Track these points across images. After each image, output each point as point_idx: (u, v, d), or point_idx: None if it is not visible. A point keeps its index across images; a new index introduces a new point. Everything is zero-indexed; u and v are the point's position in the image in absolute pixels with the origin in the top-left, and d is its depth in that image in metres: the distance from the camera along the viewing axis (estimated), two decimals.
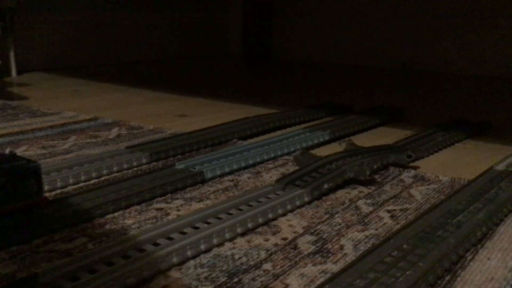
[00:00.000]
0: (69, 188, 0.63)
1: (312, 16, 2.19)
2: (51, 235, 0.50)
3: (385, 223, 0.54)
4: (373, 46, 2.05)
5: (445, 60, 1.90)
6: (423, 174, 0.70)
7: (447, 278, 0.43)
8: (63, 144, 0.82)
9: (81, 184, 0.65)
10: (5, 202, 0.49)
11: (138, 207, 0.58)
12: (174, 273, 0.44)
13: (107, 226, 0.53)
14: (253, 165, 0.73)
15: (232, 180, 0.67)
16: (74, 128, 0.94)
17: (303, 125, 0.95)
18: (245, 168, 0.72)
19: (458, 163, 0.77)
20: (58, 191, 0.62)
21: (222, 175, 0.69)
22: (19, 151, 0.78)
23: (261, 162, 0.75)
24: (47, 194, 0.58)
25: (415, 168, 0.73)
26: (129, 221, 0.54)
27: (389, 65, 2.01)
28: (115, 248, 0.45)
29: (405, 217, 0.56)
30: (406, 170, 0.71)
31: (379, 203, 0.60)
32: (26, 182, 0.51)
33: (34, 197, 0.52)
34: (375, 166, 0.69)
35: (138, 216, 0.56)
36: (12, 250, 0.47)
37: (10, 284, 0.40)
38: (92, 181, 0.66)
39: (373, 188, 0.64)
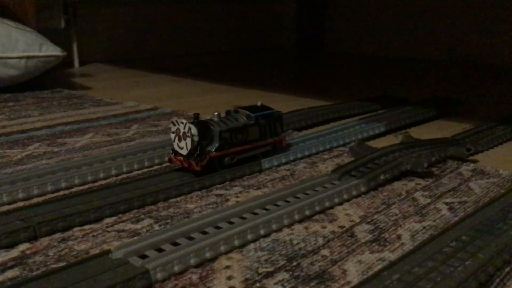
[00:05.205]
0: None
1: (367, 7, 2.17)
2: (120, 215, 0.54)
3: (443, 215, 0.54)
4: (429, 38, 2.00)
5: (505, 52, 1.83)
6: (482, 167, 0.69)
7: (506, 270, 0.43)
8: (126, 132, 0.87)
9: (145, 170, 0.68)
10: (264, 137, 0.70)
11: (199, 192, 0.61)
12: (236, 255, 0.46)
13: (171, 209, 0.56)
14: (309, 156, 0.75)
15: (288, 170, 0.69)
16: (135, 117, 0.98)
17: (358, 117, 0.95)
18: (301, 158, 0.73)
19: None
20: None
21: (278, 165, 0.70)
22: (85, 138, 0.83)
23: (317, 153, 0.76)
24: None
25: (474, 161, 0.72)
26: (191, 206, 0.57)
27: (446, 57, 1.97)
28: (179, 230, 0.48)
29: (463, 209, 0.56)
30: (464, 164, 0.71)
31: (436, 196, 0.60)
32: (275, 124, 0.71)
33: (278, 136, 0.72)
34: (433, 159, 0.69)
35: (199, 201, 0.58)
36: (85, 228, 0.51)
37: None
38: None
39: (430, 180, 0.64)
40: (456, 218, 0.53)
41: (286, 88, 1.39)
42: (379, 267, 0.44)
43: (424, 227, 0.51)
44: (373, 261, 0.45)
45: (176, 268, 0.43)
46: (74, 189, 0.61)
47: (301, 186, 0.59)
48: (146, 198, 0.57)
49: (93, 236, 0.49)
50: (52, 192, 0.60)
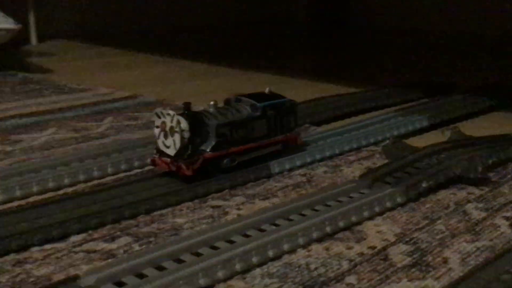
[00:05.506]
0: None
1: None
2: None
3: (502, 233, 0.54)
4: (473, 8, 2.00)
5: None
6: None
7: None
8: (98, 127, 0.87)
9: None
10: (273, 134, 0.70)
11: (190, 203, 0.61)
12: (237, 282, 0.46)
13: (155, 225, 0.56)
14: (330, 157, 0.75)
15: (304, 175, 0.69)
16: (109, 108, 0.99)
17: (393, 108, 0.95)
18: (320, 160, 0.74)
19: None
20: None
21: (291, 169, 0.71)
22: (45, 134, 0.83)
23: (340, 154, 0.76)
24: None
25: None
26: (180, 220, 0.57)
27: (499, 32, 1.96)
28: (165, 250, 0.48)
29: None
30: None
31: (494, 208, 0.60)
32: (287, 117, 0.71)
33: (291, 132, 0.72)
34: (490, 162, 0.69)
35: (190, 214, 0.58)
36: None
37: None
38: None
39: (486, 189, 0.65)
40: None
41: (302, 70, 1.39)
42: None
43: (478, 248, 0.52)
44: None
45: None
46: (31, 199, 0.62)
47: (320, 196, 0.59)
48: (123, 210, 0.57)
49: (57, 258, 0.50)
50: (4, 203, 0.60)
